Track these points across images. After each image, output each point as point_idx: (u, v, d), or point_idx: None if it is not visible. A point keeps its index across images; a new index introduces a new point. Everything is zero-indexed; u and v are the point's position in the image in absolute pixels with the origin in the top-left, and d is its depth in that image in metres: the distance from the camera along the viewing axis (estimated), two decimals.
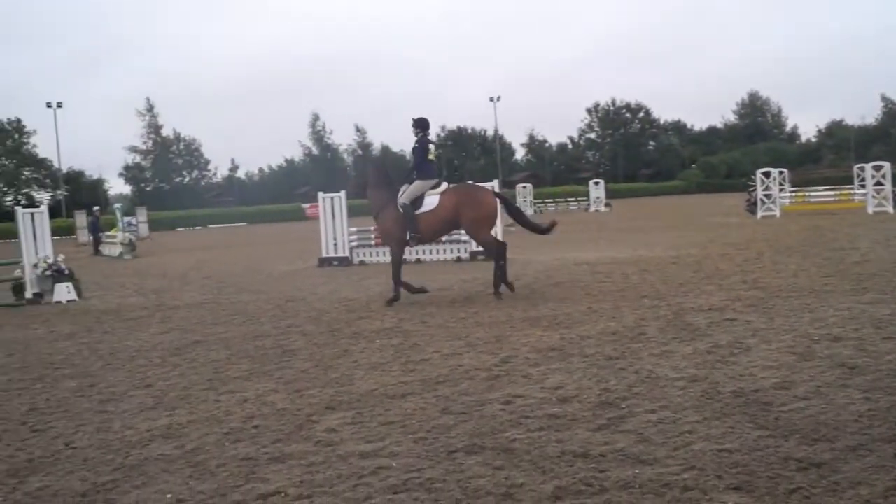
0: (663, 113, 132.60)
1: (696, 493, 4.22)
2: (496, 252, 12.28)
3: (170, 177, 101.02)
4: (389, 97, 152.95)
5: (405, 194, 12.31)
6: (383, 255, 20.08)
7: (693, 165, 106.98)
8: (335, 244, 20.25)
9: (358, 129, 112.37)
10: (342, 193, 20.45)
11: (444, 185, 12.56)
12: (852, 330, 8.18)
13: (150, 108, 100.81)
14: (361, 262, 20.10)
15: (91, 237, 36.54)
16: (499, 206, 12.85)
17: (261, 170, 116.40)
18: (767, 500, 4.08)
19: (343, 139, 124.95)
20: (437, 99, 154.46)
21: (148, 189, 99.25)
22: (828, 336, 7.95)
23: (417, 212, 12.25)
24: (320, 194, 20.99)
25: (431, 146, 12.75)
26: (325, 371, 7.65)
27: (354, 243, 20.36)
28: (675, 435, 5.16)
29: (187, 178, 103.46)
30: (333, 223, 20.31)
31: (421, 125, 12.68)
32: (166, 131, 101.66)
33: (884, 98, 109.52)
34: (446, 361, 7.79)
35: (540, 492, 4.35)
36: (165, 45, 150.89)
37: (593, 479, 4.47)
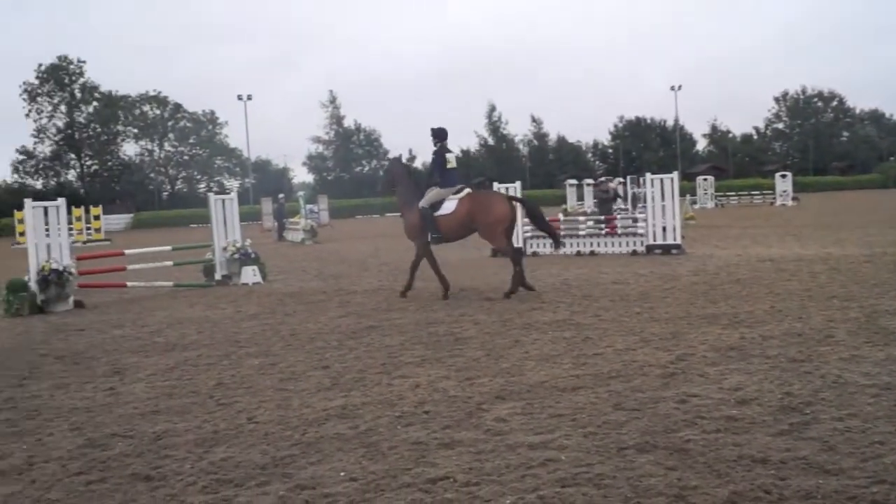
0: (859, 101, 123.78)
1: None
2: (512, 257, 12.65)
3: (350, 166, 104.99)
4: (566, 87, 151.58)
5: (425, 199, 12.90)
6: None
7: (892, 158, 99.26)
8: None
9: (534, 120, 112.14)
10: (517, 184, 20.52)
11: (466, 191, 12.95)
12: None
13: (333, 100, 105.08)
14: (534, 254, 20.09)
15: (276, 223, 38.48)
16: (517, 211, 13.59)
17: None
18: None
19: (519, 129, 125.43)
20: (615, 88, 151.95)
21: (329, 178, 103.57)
22: None
23: (437, 214, 12.81)
24: (495, 185, 21.16)
25: (450, 155, 13.04)
26: (496, 360, 7.72)
27: (528, 234, 20.37)
28: (864, 445, 4.82)
29: (366, 168, 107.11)
30: None
31: (438, 135, 13.02)
32: (347, 122, 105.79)
33: None
34: (619, 356, 7.66)
35: (714, 496, 4.19)
36: (347, 42, 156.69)
37: (772, 487, 4.26)
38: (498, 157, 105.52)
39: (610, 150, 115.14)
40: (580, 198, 55.84)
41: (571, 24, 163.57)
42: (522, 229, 20.20)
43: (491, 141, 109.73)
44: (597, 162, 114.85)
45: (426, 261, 13.24)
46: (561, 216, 22.43)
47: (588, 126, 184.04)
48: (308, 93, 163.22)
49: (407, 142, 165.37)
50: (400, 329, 9.78)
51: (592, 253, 19.48)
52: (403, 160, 15.88)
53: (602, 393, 6.34)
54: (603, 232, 19.81)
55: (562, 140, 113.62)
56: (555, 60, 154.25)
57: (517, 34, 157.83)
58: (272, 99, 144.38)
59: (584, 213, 35.82)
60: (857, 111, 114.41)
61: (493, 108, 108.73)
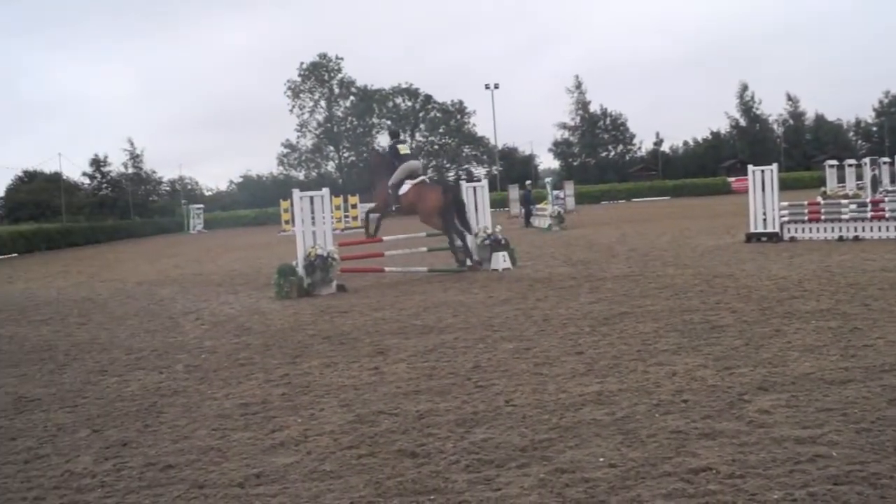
0: None
1: None
2: (448, 233, 16.96)
3: (595, 151, 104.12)
4: (825, 61, 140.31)
5: (392, 178, 17.04)
6: (818, 231, 18.77)
7: None
8: (764, 219, 19.34)
9: (790, 98, 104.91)
10: (773, 166, 19.44)
11: (419, 179, 17.19)
12: None
13: (579, 86, 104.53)
14: (792, 239, 18.94)
15: (522, 210, 39.05)
16: (450, 198, 16.89)
17: (685, 143, 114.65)
18: None
19: (773, 109, 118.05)
20: (880, 60, 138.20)
21: (575, 164, 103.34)
22: None
23: (399, 192, 17.02)
24: (750, 167, 20.17)
25: (402, 145, 17.75)
26: (755, 350, 7.45)
27: (786, 218, 19.24)
28: None
29: (612, 153, 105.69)
30: (763, 197, 19.40)
31: (393, 135, 21.24)
32: (593, 107, 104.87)
33: None
34: (893, 349, 7.11)
35: None
36: (592, 27, 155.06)
37: None
38: (751, 138, 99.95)
39: (874, 129, 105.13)
40: (841, 179, 51.72)
41: None
42: (780, 213, 19.13)
43: (743, 122, 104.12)
44: (859, 141, 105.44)
45: (368, 216, 18.30)
46: (820, 199, 20.91)
47: (850, 102, 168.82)
48: (554, 80, 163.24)
49: (653, 125, 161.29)
50: (653, 316, 9.68)
51: (856, 238, 18.02)
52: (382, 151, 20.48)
53: (874, 387, 5.94)
54: (868, 216, 18.27)
55: (820, 118, 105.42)
56: (812, 34, 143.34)
57: (767, 9, 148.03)
58: (519, 87, 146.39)
59: (847, 196, 33.18)
60: None
61: (745, 88, 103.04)
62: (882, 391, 5.83)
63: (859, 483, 4.22)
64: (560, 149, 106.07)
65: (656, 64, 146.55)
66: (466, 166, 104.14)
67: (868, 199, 20.73)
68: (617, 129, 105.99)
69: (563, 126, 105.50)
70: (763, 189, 19.40)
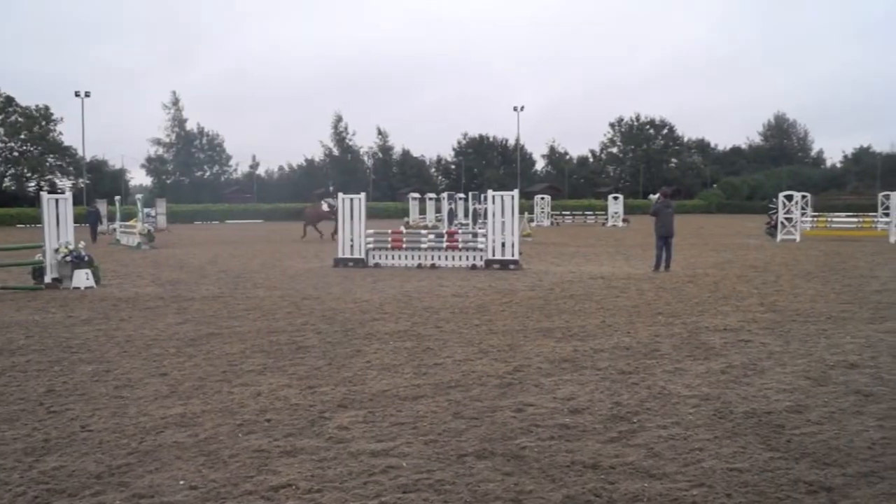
0: (687, 131, 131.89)
1: None
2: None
3: (191, 170, 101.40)
4: (413, 102, 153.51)
5: None
6: (400, 258, 20.17)
7: (714, 185, 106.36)
8: (352, 245, 20.33)
9: (380, 132, 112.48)
10: (361, 195, 20.53)
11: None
12: (869, 358, 8.16)
13: (176, 102, 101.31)
14: (377, 265, 20.16)
15: (90, 227, 36.91)
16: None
17: (281, 168, 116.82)
18: None
19: (365, 142, 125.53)
20: (461, 106, 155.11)
21: (169, 181, 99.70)
22: (843, 363, 7.93)
23: None
24: (340, 195, 21.09)
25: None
26: (337, 369, 7.70)
27: (371, 245, 20.42)
28: (686, 452, 5.17)
29: (208, 173, 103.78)
30: (351, 224, 20.39)
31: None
32: (190, 125, 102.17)
33: None
34: (459, 367, 7.82)
35: (548, 499, 4.37)
36: (193, 47, 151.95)
37: (602, 491, 4.49)
38: (343, 167, 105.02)
39: (453, 166, 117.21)
40: (422, 211, 56.63)
41: (420, 43, 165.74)
42: (366, 241, 20.24)
43: (336, 151, 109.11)
44: (439, 177, 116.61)
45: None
46: (403, 229, 22.62)
47: (433, 142, 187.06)
48: (153, 94, 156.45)
49: (251, 148, 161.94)
50: (241, 337, 9.56)
51: (434, 266, 19.75)
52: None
53: (442, 402, 6.46)
54: (444, 246, 20.15)
55: (406, 153, 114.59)
56: (404, 77, 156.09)
57: (365, 49, 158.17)
58: (116, 98, 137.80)
59: (427, 227, 36.48)
60: (686, 139, 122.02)
61: (339, 119, 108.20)
62: (448, 405, 6.35)
63: (426, 490, 4.51)
64: (153, 165, 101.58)
65: (262, 90, 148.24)
66: (50, 177, 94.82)
67: (445, 231, 22.84)
68: (213, 150, 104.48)
69: (158, 142, 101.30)
70: (352, 217, 20.37)
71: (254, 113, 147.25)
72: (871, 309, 11.72)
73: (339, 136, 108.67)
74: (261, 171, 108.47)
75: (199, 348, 8.85)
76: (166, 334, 9.82)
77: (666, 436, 5.51)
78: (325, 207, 35.57)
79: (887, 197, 32.90)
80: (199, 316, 11.36)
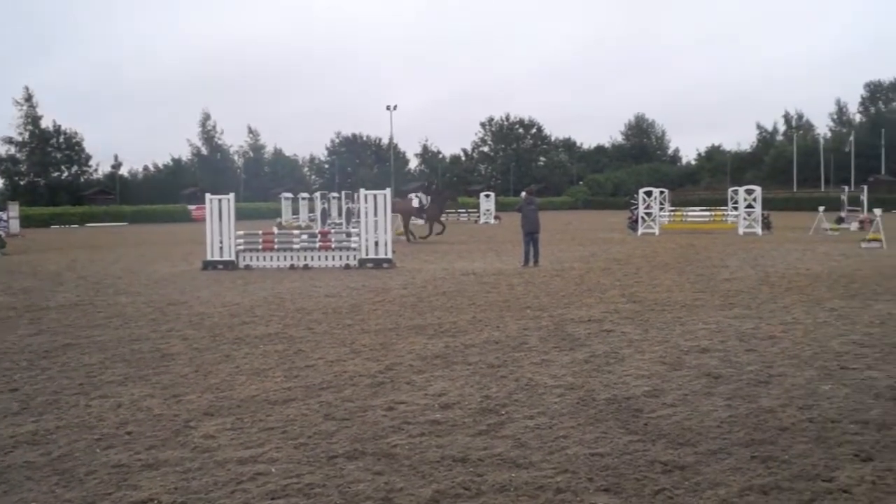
0: (554, 130, 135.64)
1: (569, 494, 4.38)
2: None
3: (47, 171, 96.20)
4: (285, 100, 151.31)
5: None
6: (272, 260, 19.82)
7: (581, 182, 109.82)
8: (221, 247, 19.82)
9: (251, 131, 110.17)
10: (231, 196, 20.04)
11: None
12: (719, 342, 8.64)
13: (29, 98, 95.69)
14: (248, 267, 19.75)
15: None
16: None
17: (146, 168, 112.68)
18: (634, 501, 4.27)
19: (235, 141, 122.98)
20: (335, 105, 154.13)
21: (22, 183, 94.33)
22: (696, 347, 8.37)
23: None
24: (208, 196, 20.48)
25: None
26: (204, 376, 7.50)
27: (241, 247, 19.98)
28: (551, 440, 5.33)
29: (66, 174, 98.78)
30: (220, 226, 19.87)
31: None
32: (45, 123, 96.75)
33: (758, 126, 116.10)
34: (331, 368, 7.77)
35: (418, 495, 4.41)
36: (49, 40, 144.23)
37: (471, 483, 4.57)
38: (212, 167, 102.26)
39: (326, 166, 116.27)
40: (295, 211, 55.87)
41: (294, 39, 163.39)
42: (236, 242, 19.79)
43: (205, 150, 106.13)
44: (313, 176, 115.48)
45: None
46: (276, 229, 22.26)
47: (306, 141, 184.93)
48: (3, 90, 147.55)
49: (113, 147, 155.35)
50: (100, 346, 9.16)
51: (306, 266, 19.53)
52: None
53: (313, 404, 6.41)
54: (317, 246, 19.96)
55: (279, 153, 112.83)
56: (277, 75, 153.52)
57: (236, 46, 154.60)
58: None
59: (299, 227, 35.85)
60: (553, 139, 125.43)
61: (207, 117, 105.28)
62: (320, 407, 6.30)
63: (295, 495, 4.46)
64: (5, 166, 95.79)
65: (125, 87, 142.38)
66: None
67: (318, 231, 22.63)
68: (71, 149, 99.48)
69: (10, 141, 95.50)
70: (220, 218, 19.85)
71: (116, 111, 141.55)
72: (721, 296, 12.41)
73: (208, 135, 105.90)
74: (124, 171, 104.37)
75: (54, 360, 8.41)
76: (17, 347, 9.29)
77: (532, 426, 5.66)
78: (415, 203, 31.55)
79: (736, 192, 34.87)
80: (55, 326, 10.81)
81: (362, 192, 20.22)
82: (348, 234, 20.61)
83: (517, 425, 5.69)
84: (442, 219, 31.76)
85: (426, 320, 10.62)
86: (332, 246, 19.92)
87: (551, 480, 4.58)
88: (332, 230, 22.93)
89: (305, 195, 57.59)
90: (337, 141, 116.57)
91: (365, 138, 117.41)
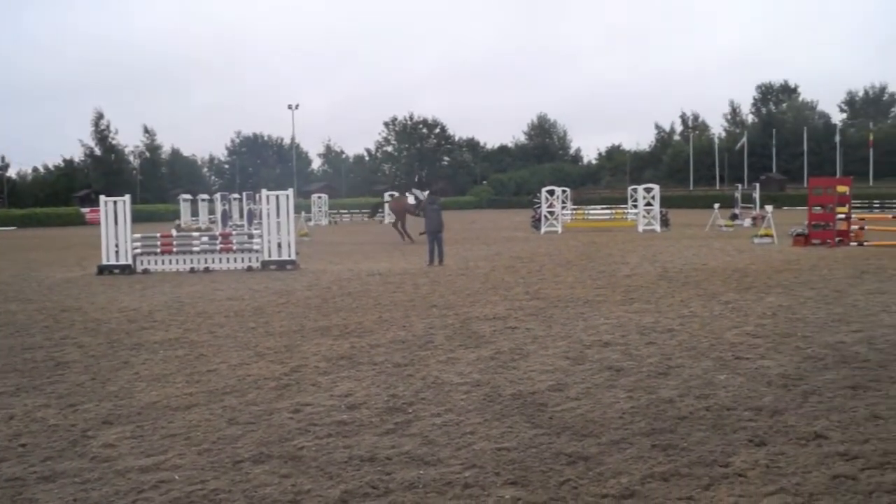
0: (458, 130, 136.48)
1: (476, 489, 4.44)
2: None
3: None
4: (184, 101, 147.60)
5: None
6: (171, 263, 19.32)
7: (485, 182, 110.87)
8: (117, 251, 19.19)
9: (147, 131, 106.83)
10: (126, 198, 19.42)
11: None
12: (620, 336, 8.89)
13: None
14: (146, 271, 19.19)
15: None
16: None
17: (36, 169, 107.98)
18: (540, 493, 4.36)
19: (130, 141, 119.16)
20: (235, 104, 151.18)
21: None
22: (598, 342, 8.59)
23: None
24: (102, 198, 19.79)
25: None
26: (102, 384, 7.26)
27: (138, 250, 19.40)
28: (458, 436, 5.39)
29: None
30: (116, 229, 19.23)
31: None
32: None
33: (657, 126, 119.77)
34: (234, 372, 7.65)
35: (327, 496, 4.39)
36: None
37: (379, 482, 4.57)
38: (106, 168, 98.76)
39: (227, 166, 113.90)
40: (195, 213, 54.50)
41: (191, 36, 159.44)
42: (133, 245, 19.20)
43: (98, 151, 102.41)
44: (212, 177, 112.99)
45: None
46: (174, 231, 21.71)
47: (205, 141, 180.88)
48: None
49: None
50: None
51: (207, 269, 19.12)
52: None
53: (216, 409, 6.29)
54: (218, 248, 19.56)
55: (176, 153, 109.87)
56: (174, 74, 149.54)
57: (131, 45, 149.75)
58: None
59: (199, 229, 35.00)
60: (457, 139, 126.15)
61: (100, 116, 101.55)
62: (223, 412, 6.19)
63: (200, 501, 4.38)
64: None
65: (13, 83, 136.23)
66: None
67: (218, 233, 22.17)
68: None
69: None
70: (116, 220, 19.22)
71: (2, 110, 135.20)
72: (622, 292, 12.77)
73: (101, 135, 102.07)
74: (12, 172, 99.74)
75: None
76: None
77: (440, 423, 5.71)
78: (410, 200, 30.45)
79: (635, 190, 35.91)
80: None
81: (264, 192, 19.92)
82: (250, 236, 20.26)
83: (424, 423, 5.73)
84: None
85: (331, 321, 10.55)
86: (234, 248, 19.54)
87: (459, 476, 4.64)
88: (234, 232, 22.48)
89: (205, 196, 56.26)
90: (237, 141, 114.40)
91: (266, 138, 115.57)
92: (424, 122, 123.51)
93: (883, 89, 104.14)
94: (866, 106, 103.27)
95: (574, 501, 4.26)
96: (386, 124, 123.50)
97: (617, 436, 5.32)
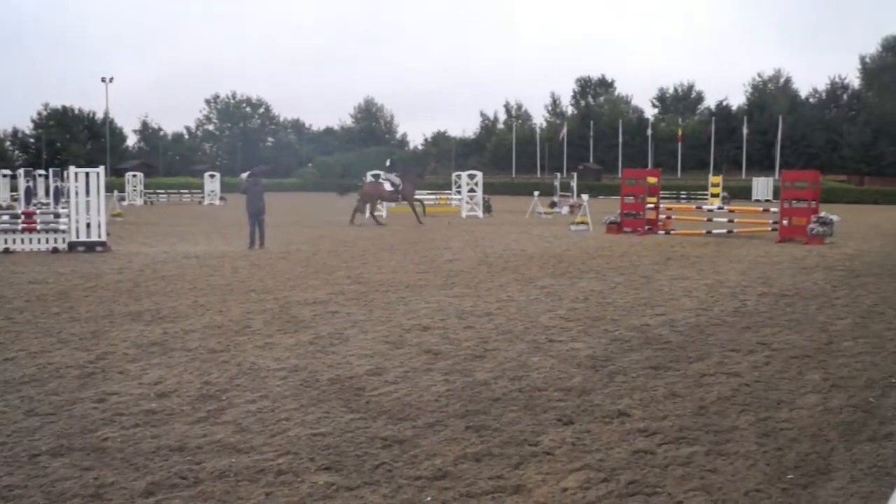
0: (283, 111, 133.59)
1: (290, 476, 4.41)
2: None
3: None
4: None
5: None
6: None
7: (310, 164, 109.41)
8: None
9: None
10: None
11: None
12: (439, 320, 9.09)
13: None
14: (6, 251, 17.52)
15: None
16: None
17: None
18: (354, 477, 4.40)
19: None
20: (41, 74, 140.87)
21: None
22: (418, 326, 8.74)
23: None
24: None
25: None
26: None
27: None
28: (273, 423, 5.32)
29: None
30: None
31: None
32: None
33: (482, 114, 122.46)
34: (33, 360, 7.17)
35: (132, 489, 4.22)
36: None
37: (188, 472, 4.45)
38: None
39: (32, 140, 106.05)
40: (14, 189, 50.38)
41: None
42: None
43: None
44: (16, 152, 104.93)
45: None
46: None
47: (7, 112, 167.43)
48: None
49: None
50: None
51: (7, 251, 17.75)
52: None
53: (13, 400, 5.89)
54: (20, 227, 18.19)
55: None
56: None
57: None
58: None
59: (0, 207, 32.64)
60: (282, 119, 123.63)
61: None
62: (21, 403, 5.80)
63: None
64: None
65: None
66: None
67: (21, 211, 20.65)
68: None
69: None
70: None
71: None
72: (443, 277, 13.03)
73: None
74: None
75: None
76: None
77: (254, 410, 5.62)
78: (387, 186, 28.83)
79: (459, 176, 36.64)
80: None
81: (73, 169, 18.71)
82: (56, 215, 19.00)
83: (238, 410, 5.61)
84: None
85: (143, 306, 10.10)
86: (38, 227, 18.26)
87: (272, 463, 4.58)
88: (38, 210, 21.00)
89: (7, 172, 52.14)
90: (45, 114, 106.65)
91: (77, 111, 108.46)
92: (248, 101, 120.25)
93: (691, 87, 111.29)
94: (676, 102, 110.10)
95: (388, 484, 4.32)
96: (207, 102, 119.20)
97: (432, 418, 5.44)
